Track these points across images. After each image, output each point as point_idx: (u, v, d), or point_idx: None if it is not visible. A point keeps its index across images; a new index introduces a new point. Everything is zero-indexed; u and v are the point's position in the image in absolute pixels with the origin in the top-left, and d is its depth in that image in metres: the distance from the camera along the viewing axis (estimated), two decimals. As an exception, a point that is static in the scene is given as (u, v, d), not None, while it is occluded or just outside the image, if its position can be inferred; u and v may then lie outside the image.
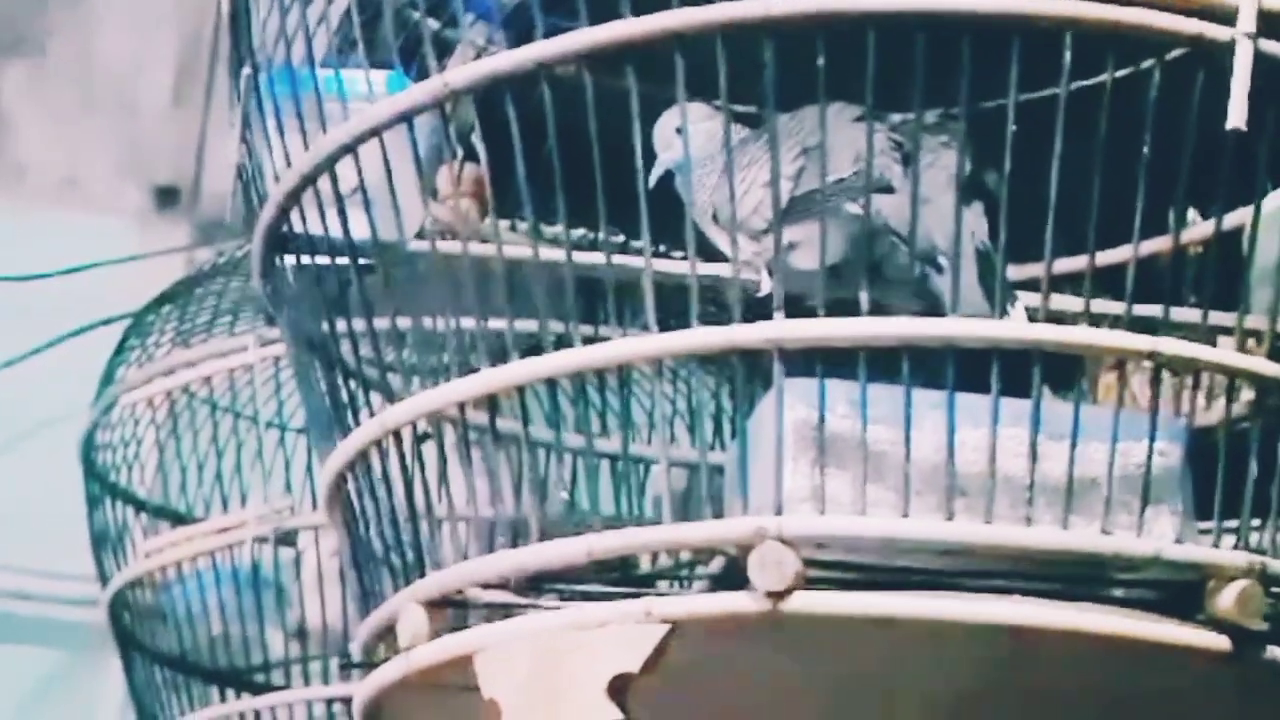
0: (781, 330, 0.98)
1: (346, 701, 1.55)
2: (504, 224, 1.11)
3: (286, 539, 1.66)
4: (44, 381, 2.11)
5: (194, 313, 1.75)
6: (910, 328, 0.98)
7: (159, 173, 2.27)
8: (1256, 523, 1.02)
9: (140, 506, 1.76)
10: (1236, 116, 0.98)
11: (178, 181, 2.27)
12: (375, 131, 1.06)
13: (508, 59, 1.02)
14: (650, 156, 1.16)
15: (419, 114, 1.05)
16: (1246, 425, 1.03)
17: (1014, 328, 1.02)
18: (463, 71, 1.03)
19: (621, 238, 1.15)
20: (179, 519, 1.74)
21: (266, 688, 1.70)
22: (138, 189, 2.27)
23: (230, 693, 1.71)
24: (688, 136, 1.17)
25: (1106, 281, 1.05)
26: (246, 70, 1.14)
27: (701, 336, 1.00)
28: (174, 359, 1.73)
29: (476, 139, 1.07)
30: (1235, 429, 1.03)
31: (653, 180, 1.12)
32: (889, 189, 1.08)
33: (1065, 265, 1.05)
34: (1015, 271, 1.15)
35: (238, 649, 1.69)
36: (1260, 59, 0.99)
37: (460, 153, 1.14)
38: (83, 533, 1.80)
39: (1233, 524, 1.01)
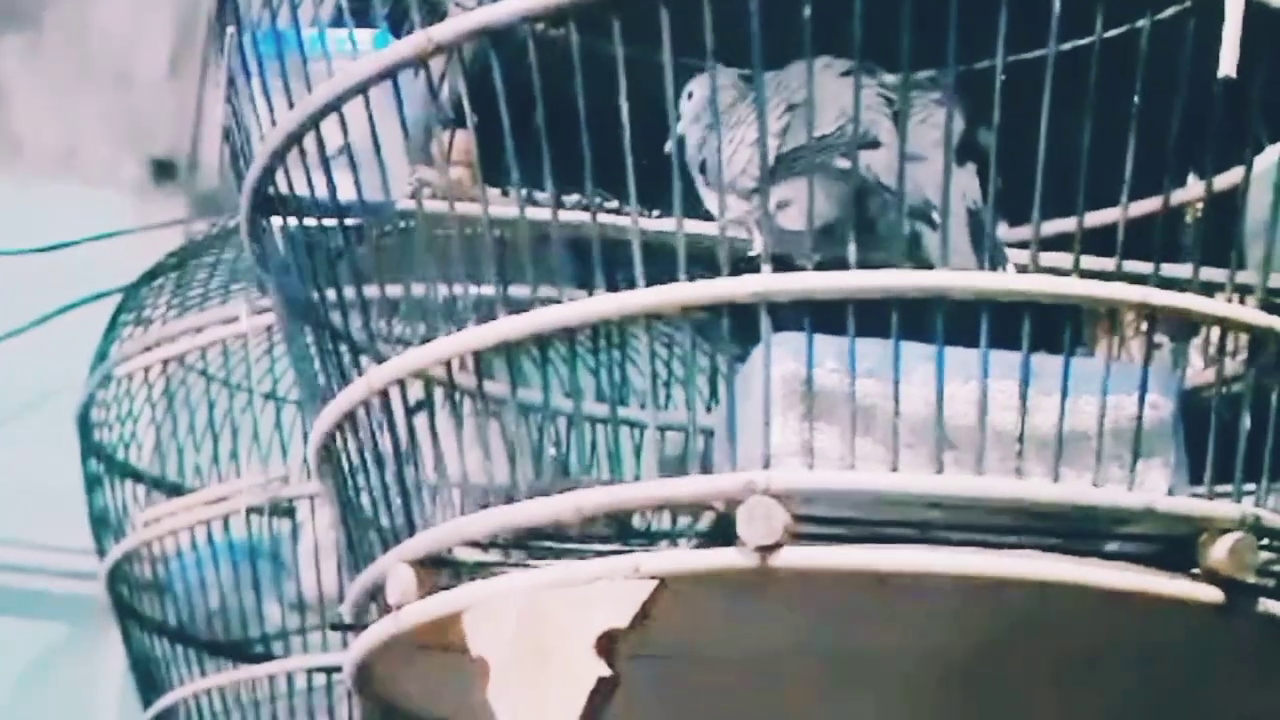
0: (768, 283, 0.98)
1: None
2: (496, 191, 1.10)
3: (281, 509, 1.66)
4: (41, 355, 2.11)
5: (188, 284, 1.75)
6: (898, 279, 0.97)
7: (156, 145, 2.27)
8: (1251, 487, 1.02)
9: (137, 478, 1.76)
10: (1228, 64, 0.97)
11: (175, 154, 2.26)
12: (360, 88, 1.06)
13: (492, 13, 1.01)
14: (639, 117, 1.15)
15: (403, 70, 1.05)
16: (1239, 383, 1.03)
17: (1004, 279, 1.01)
18: (447, 26, 1.03)
19: (615, 203, 1.14)
20: (176, 490, 1.73)
21: (265, 657, 1.70)
22: (135, 162, 2.27)
23: (229, 662, 1.71)
24: (672, 93, 1.16)
25: (1101, 244, 1.05)
26: (231, 29, 1.14)
27: (688, 291, 0.99)
28: (168, 330, 1.72)
29: (465, 103, 1.06)
30: (1228, 386, 1.03)
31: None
32: (875, 144, 1.07)
33: (1058, 226, 1.04)
34: (1008, 233, 1.15)
35: (235, 620, 1.69)
36: (1251, 7, 0.98)
37: (451, 119, 1.13)
38: (81, 505, 1.80)
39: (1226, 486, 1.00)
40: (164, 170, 2.26)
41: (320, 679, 1.68)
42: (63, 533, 1.95)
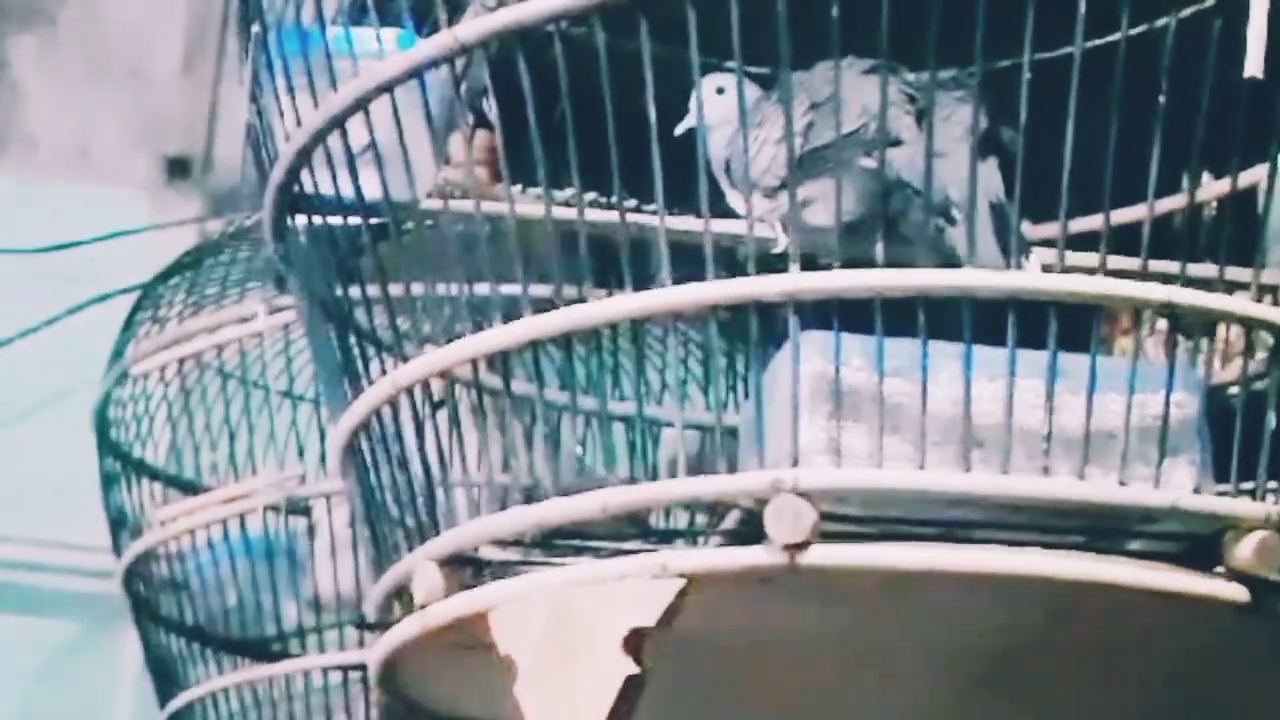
0: (797, 282, 0.98)
1: (361, 668, 1.55)
2: (517, 188, 1.10)
3: (298, 507, 1.66)
4: (57, 353, 2.11)
5: (204, 283, 1.75)
6: (927, 278, 0.97)
7: (170, 143, 2.27)
8: (1274, 485, 1.02)
9: (154, 476, 1.76)
10: (1254, 65, 0.98)
11: (189, 152, 2.26)
12: (386, 88, 1.06)
13: (518, 12, 1.01)
14: (663, 116, 1.15)
15: (429, 69, 1.05)
16: (1264, 381, 1.03)
17: (1030, 278, 1.01)
18: (473, 26, 1.03)
19: (635, 201, 1.14)
20: (192, 488, 1.74)
21: (282, 656, 1.70)
22: (149, 160, 2.27)
23: (245, 660, 1.71)
24: (701, 95, 1.16)
25: (1124, 242, 1.05)
26: (255, 28, 1.14)
27: (717, 289, 0.99)
28: (185, 328, 1.73)
29: (488, 102, 1.06)
30: (1252, 385, 1.03)
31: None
32: (897, 142, 1.07)
33: (1082, 224, 1.04)
34: (1031, 231, 1.15)
35: (252, 618, 1.69)
36: (1277, 7, 0.98)
37: (472, 118, 1.13)
38: (97, 504, 1.80)
39: (1249, 484, 1.01)
40: (178, 168, 2.26)
41: (337, 677, 1.68)
42: (79, 531, 1.95)
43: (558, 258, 1.05)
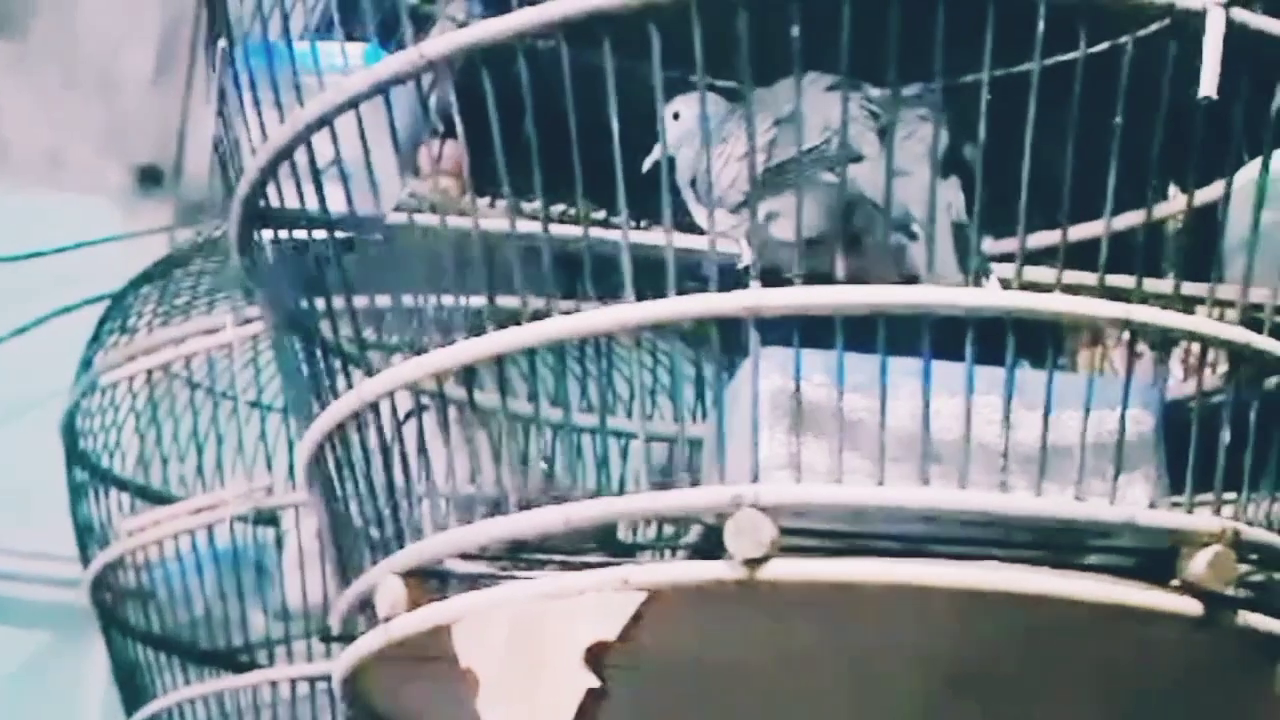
0: (758, 298, 0.99)
1: (329, 679, 1.55)
2: (483, 201, 1.11)
3: (266, 518, 1.66)
4: (25, 362, 2.11)
5: (173, 293, 1.75)
6: (886, 295, 0.98)
7: (142, 153, 2.27)
8: (1231, 496, 1.03)
9: (122, 486, 1.77)
10: (1208, 86, 0.99)
11: (160, 161, 2.27)
12: (351, 103, 1.06)
13: (484, 29, 1.02)
14: (629, 131, 1.16)
15: (395, 85, 1.05)
16: (1221, 396, 1.04)
17: (989, 295, 1.02)
18: (439, 42, 1.03)
19: (602, 214, 1.15)
20: (160, 498, 1.74)
21: (250, 667, 1.70)
22: (120, 169, 2.27)
23: (213, 671, 1.71)
24: (662, 113, 1.17)
25: (1084, 257, 1.06)
26: (222, 43, 1.14)
27: (679, 305, 1.00)
28: (154, 338, 1.73)
29: (455, 115, 1.07)
30: (1209, 398, 1.04)
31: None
32: (859, 158, 1.08)
33: (1041, 239, 1.05)
34: (992, 246, 1.16)
35: (220, 628, 1.69)
36: (1232, 28, 0.99)
37: (439, 130, 1.14)
38: (65, 513, 1.80)
39: (1206, 496, 1.02)
40: (149, 177, 2.27)
41: (304, 688, 1.68)
42: (47, 540, 1.95)
43: (523, 271, 1.05)
